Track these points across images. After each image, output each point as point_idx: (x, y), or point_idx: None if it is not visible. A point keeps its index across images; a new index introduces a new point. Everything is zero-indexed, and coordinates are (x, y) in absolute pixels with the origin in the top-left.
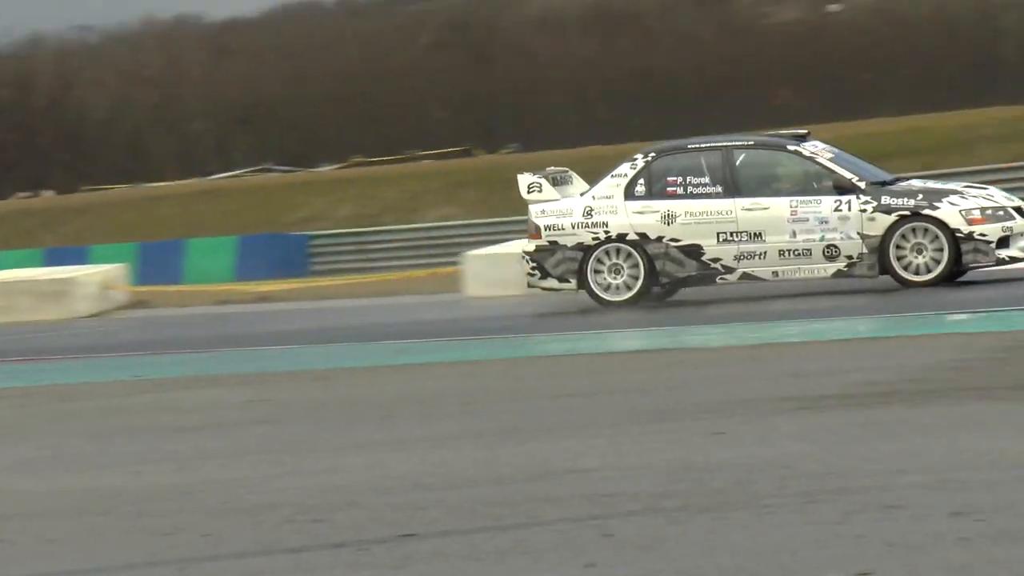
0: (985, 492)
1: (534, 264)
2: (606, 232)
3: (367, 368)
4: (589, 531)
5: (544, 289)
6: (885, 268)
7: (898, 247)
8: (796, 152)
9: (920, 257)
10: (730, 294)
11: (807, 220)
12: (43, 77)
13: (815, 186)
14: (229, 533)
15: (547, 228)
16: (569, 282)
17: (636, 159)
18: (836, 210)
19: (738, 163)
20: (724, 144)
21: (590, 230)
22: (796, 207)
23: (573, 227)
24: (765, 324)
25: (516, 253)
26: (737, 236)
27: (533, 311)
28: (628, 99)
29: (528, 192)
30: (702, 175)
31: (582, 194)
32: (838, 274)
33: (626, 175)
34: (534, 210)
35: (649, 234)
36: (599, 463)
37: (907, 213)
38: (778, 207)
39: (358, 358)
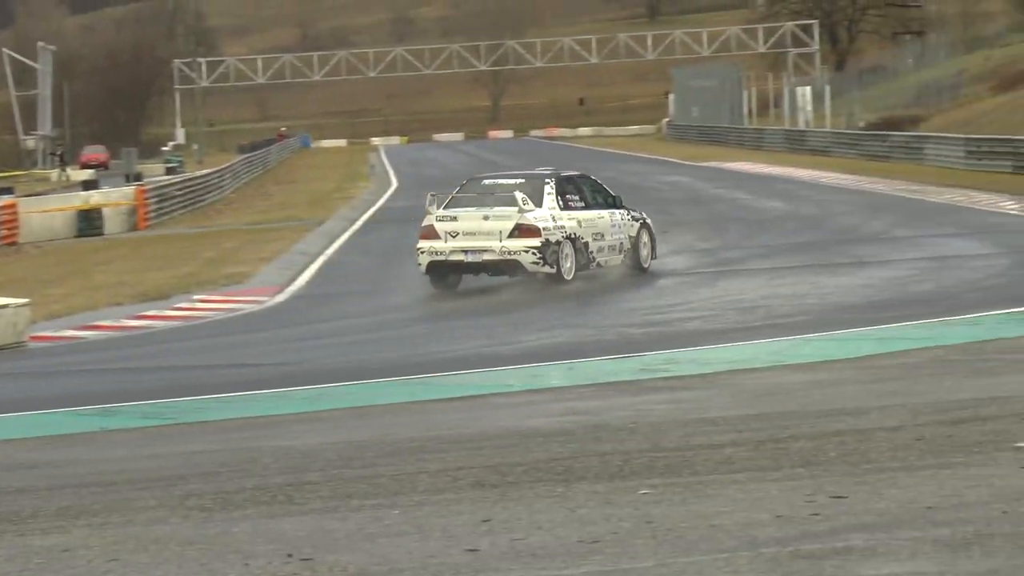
0: None
1: (540, 255)
2: (564, 234)
3: None
4: None
5: (543, 273)
6: (636, 259)
7: (640, 244)
8: (596, 179)
9: (644, 250)
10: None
11: (616, 225)
12: None
13: (604, 202)
14: None
15: (543, 230)
16: (555, 268)
17: (548, 181)
18: (622, 219)
19: (586, 186)
20: (577, 174)
21: (559, 232)
22: (611, 217)
23: (554, 230)
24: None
25: None
26: (598, 236)
27: None
28: None
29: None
30: (577, 194)
31: (535, 208)
32: (620, 263)
33: (551, 193)
34: (532, 216)
35: (576, 234)
36: None
37: (641, 220)
38: (606, 216)
39: None
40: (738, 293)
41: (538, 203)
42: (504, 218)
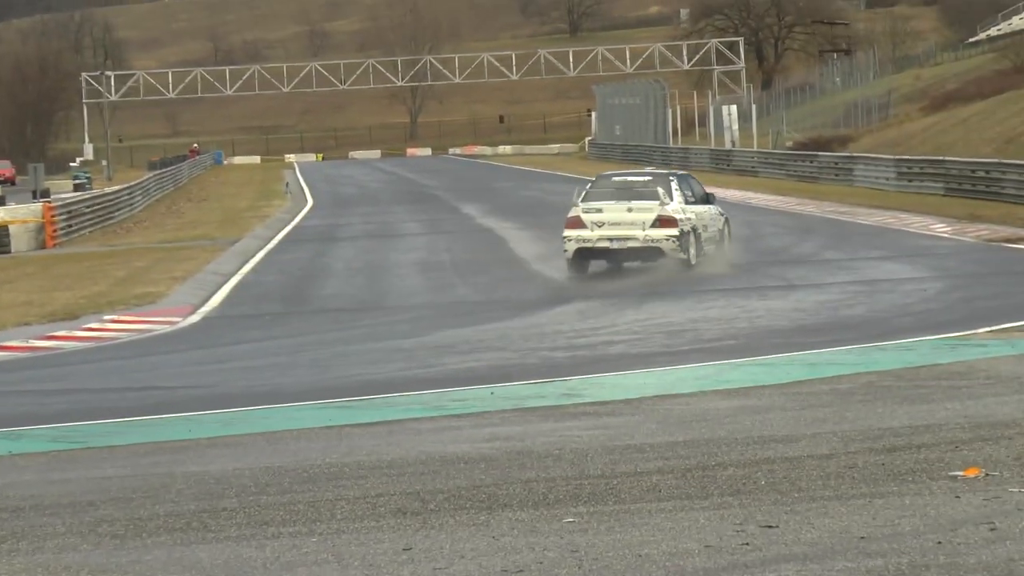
0: None
1: (678, 243)
2: (690, 224)
3: None
4: None
5: (680, 259)
6: (722, 249)
7: (724, 236)
8: (696, 179)
9: (726, 242)
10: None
11: (713, 219)
12: None
13: (705, 198)
14: None
15: (679, 221)
16: (686, 254)
17: (673, 179)
18: (717, 213)
19: (694, 184)
20: (685, 173)
21: (687, 223)
22: (710, 211)
23: (684, 221)
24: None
25: None
26: (704, 228)
27: None
28: None
29: None
30: (689, 191)
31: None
32: (714, 252)
33: (677, 189)
34: (670, 209)
35: (695, 225)
36: None
37: (725, 217)
38: (708, 210)
39: None
40: (664, 316)
41: (669, 198)
42: (646, 210)
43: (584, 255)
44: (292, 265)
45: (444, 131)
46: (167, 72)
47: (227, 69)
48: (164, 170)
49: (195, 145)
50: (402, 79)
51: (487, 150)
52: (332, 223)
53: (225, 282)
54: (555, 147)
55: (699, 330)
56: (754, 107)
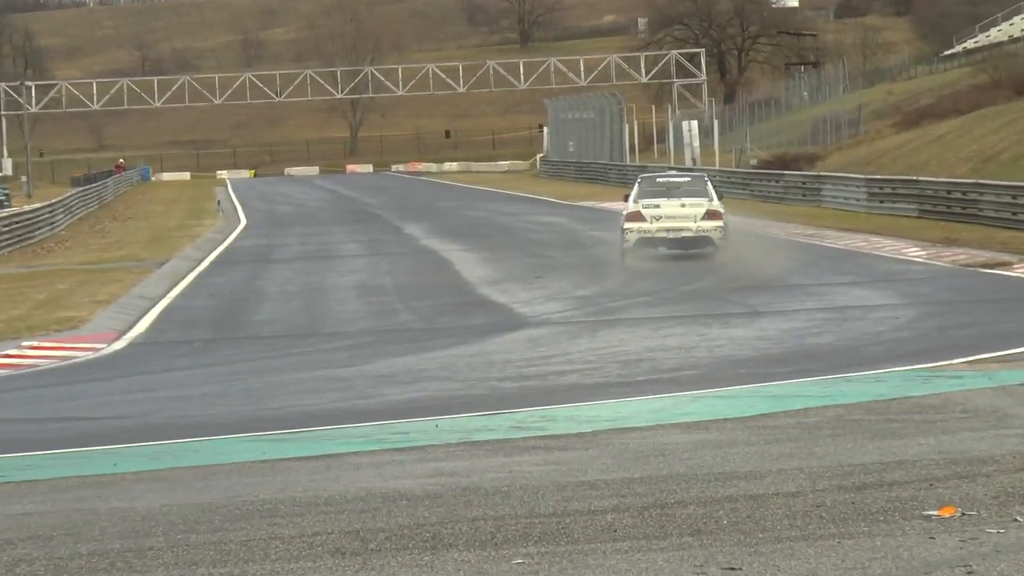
0: None
1: (722, 233)
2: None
3: None
4: None
5: (722, 245)
6: None
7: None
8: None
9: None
10: None
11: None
12: None
13: (719, 196)
14: None
15: (722, 214)
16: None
17: (707, 179)
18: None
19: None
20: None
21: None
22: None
23: (724, 214)
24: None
25: None
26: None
27: None
28: None
29: None
30: (714, 189)
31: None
32: None
33: (712, 187)
34: (715, 204)
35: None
36: None
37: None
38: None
39: None
40: (620, 345)
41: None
42: (697, 205)
43: (643, 244)
44: (224, 288)
45: (387, 147)
46: (91, 82)
47: (155, 79)
48: (88, 187)
49: (121, 160)
50: (342, 91)
51: (432, 167)
52: (267, 244)
53: (152, 306)
54: (504, 164)
55: (657, 359)
56: (716, 122)
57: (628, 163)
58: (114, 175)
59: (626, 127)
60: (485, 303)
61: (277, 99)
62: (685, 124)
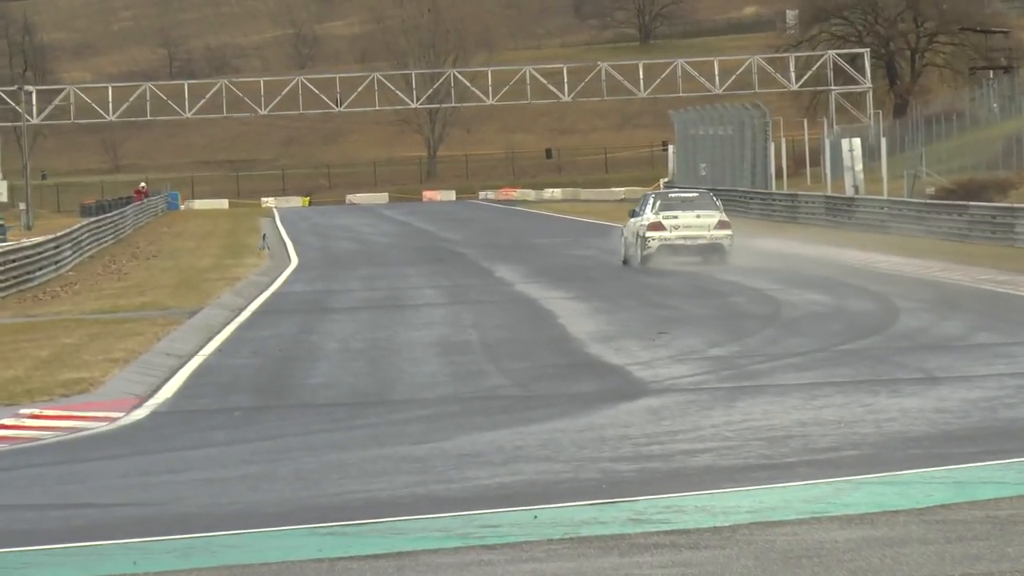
0: None
1: (731, 240)
2: None
3: None
4: None
5: (730, 251)
6: None
7: None
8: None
9: None
10: None
11: None
12: None
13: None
14: None
15: (730, 224)
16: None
17: (713, 194)
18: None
19: None
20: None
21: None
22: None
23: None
24: None
25: None
26: None
27: None
28: None
29: None
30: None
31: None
32: None
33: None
34: (724, 215)
35: None
36: None
37: None
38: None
39: None
40: (764, 418)
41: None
42: (710, 216)
43: (664, 251)
44: (270, 344)
45: (473, 169)
46: (105, 87)
47: (185, 84)
48: (101, 217)
49: (142, 184)
50: (417, 100)
51: (529, 194)
52: (323, 289)
53: (181, 366)
54: (620, 191)
55: (810, 436)
56: (884, 140)
57: (774, 190)
58: (134, 202)
59: (771, 145)
60: (595, 365)
61: (336, 109)
62: (845, 142)
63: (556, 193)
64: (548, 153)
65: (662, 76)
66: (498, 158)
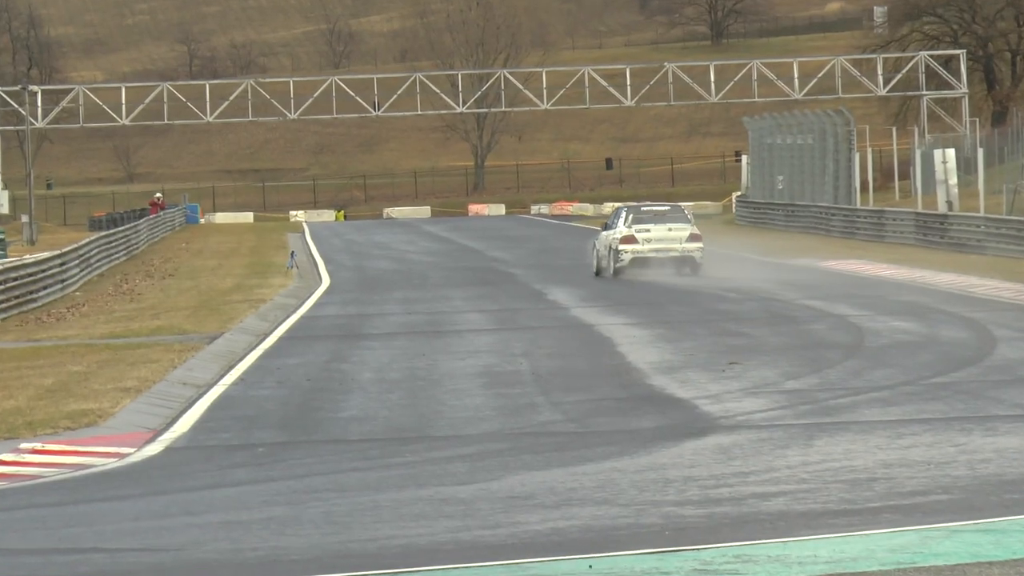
0: None
1: (702, 253)
2: None
3: None
4: None
5: (701, 264)
6: None
7: None
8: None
9: None
10: None
11: None
12: None
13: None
14: None
15: (701, 237)
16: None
17: (685, 208)
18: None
19: None
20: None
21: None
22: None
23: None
24: None
25: None
26: None
27: None
28: None
29: None
30: None
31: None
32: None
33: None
34: (696, 229)
35: None
36: None
37: None
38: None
39: None
40: (845, 458)
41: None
42: (682, 230)
43: (637, 263)
44: (298, 374)
45: (525, 180)
46: (118, 87)
47: (206, 85)
48: (113, 231)
49: (158, 195)
50: (463, 103)
51: (587, 209)
52: (357, 313)
53: (199, 397)
54: (687, 204)
55: (896, 479)
56: (981, 151)
57: (859, 206)
58: (148, 215)
59: (856, 156)
60: (658, 398)
61: (374, 113)
62: (938, 153)
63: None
64: (608, 163)
65: (735, 79)
66: (552, 169)
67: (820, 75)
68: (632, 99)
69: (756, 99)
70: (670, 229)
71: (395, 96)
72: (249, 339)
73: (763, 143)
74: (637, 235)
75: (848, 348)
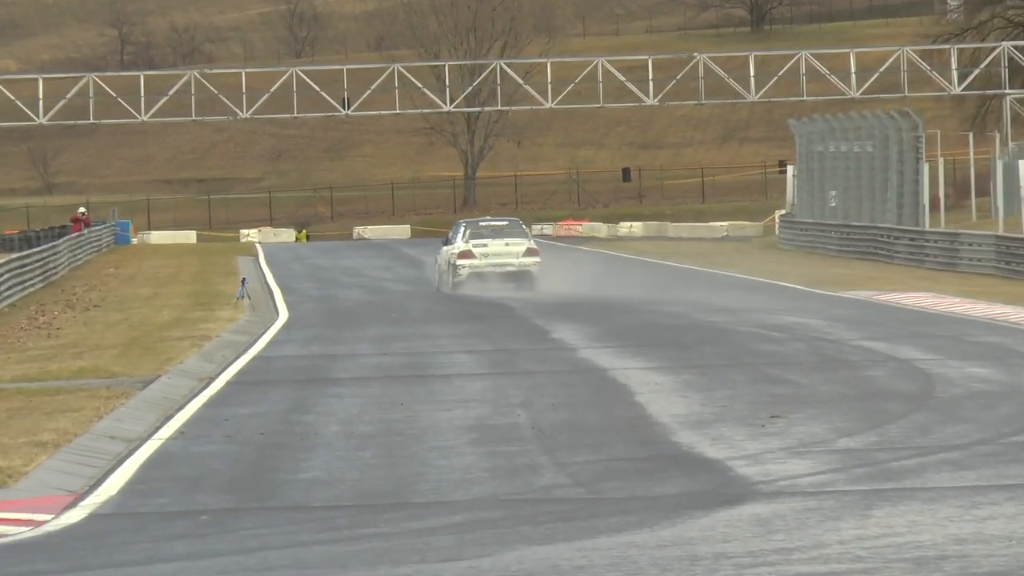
0: None
1: (539, 267)
2: None
3: None
4: None
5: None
6: None
7: None
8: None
9: None
10: None
11: None
12: None
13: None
14: None
15: (539, 252)
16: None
17: (521, 223)
18: None
19: None
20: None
21: None
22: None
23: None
24: None
25: None
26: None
27: None
28: None
29: None
30: None
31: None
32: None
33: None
34: (533, 243)
35: None
36: None
37: None
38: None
39: None
40: (909, 531)
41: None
42: (519, 244)
43: (475, 279)
44: (250, 426)
45: (525, 194)
46: (35, 79)
47: (141, 77)
48: (27, 253)
49: (82, 210)
50: (451, 101)
51: (600, 229)
52: (322, 353)
53: (129, 454)
54: (721, 226)
55: (970, 558)
56: None
57: (927, 228)
58: (70, 234)
59: (925, 167)
60: (685, 458)
61: (343, 113)
62: (1023, 164)
63: (636, 228)
64: (625, 174)
65: (780, 73)
66: (558, 181)
67: (882, 69)
68: (655, 97)
69: (804, 98)
70: (507, 244)
71: (369, 92)
72: (191, 384)
73: (813, 151)
74: (475, 250)
75: (914, 399)
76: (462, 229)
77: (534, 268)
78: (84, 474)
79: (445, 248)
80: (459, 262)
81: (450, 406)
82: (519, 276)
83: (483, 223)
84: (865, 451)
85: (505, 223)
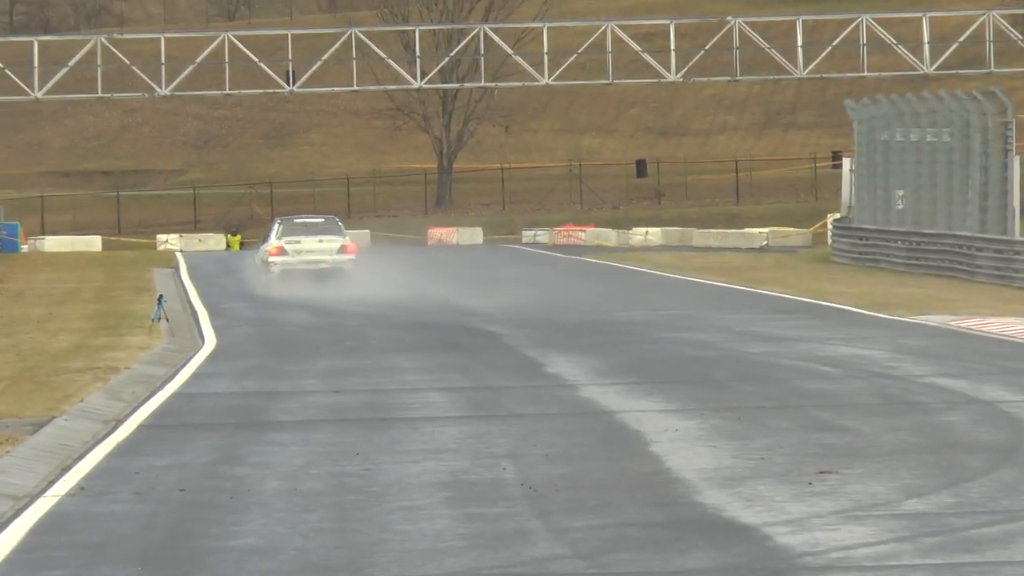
0: None
1: (355, 264)
2: None
3: None
4: None
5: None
6: None
7: None
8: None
9: None
10: None
11: None
12: None
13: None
14: None
15: (354, 249)
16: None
17: (338, 220)
18: None
19: None
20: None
21: None
22: None
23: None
24: None
25: None
26: None
27: None
28: None
29: None
30: None
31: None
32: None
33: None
34: (347, 240)
35: None
36: None
37: None
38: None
39: None
40: None
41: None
42: (333, 241)
43: (287, 276)
44: (168, 481)
45: (514, 191)
46: None
47: (34, 43)
48: None
49: None
50: (423, 76)
51: (609, 236)
52: (260, 390)
53: (16, 514)
54: (760, 233)
55: None
56: None
57: (1017, 237)
58: None
59: (1015, 161)
60: (713, 524)
61: (287, 89)
62: None
63: (653, 235)
64: (640, 168)
65: (835, 43)
66: (557, 176)
67: (962, 39)
68: (678, 72)
69: (866, 73)
70: (321, 241)
71: (319, 63)
72: (94, 427)
73: (875, 140)
74: (287, 247)
75: (999, 451)
76: (276, 226)
77: (348, 266)
78: None
79: (262, 246)
80: (271, 259)
81: (418, 457)
82: (332, 273)
83: (298, 220)
84: (938, 515)
85: (321, 220)
